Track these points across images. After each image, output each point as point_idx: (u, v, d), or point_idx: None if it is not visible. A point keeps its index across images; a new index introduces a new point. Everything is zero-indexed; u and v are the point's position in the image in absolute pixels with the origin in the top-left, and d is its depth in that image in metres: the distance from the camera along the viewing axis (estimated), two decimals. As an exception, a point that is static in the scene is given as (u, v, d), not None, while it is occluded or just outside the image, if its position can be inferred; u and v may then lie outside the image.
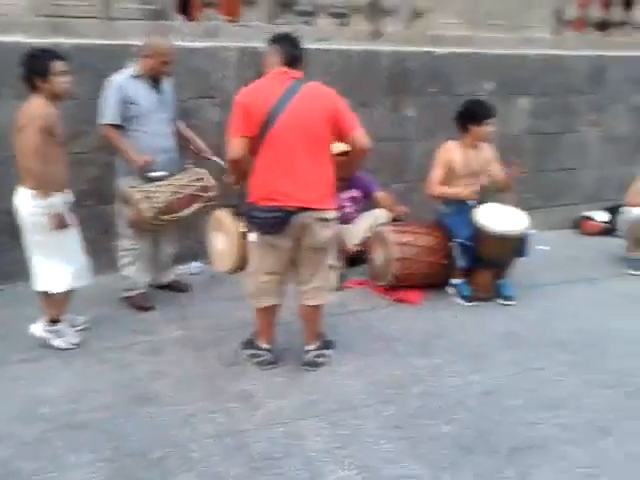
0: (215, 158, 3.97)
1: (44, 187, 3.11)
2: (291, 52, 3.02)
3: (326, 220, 2.99)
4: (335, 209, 3.08)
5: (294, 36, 3.12)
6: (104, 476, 2.39)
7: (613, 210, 5.63)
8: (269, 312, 3.21)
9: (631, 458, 2.56)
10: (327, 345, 3.34)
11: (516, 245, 4.02)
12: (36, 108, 3.07)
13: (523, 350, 3.47)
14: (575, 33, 6.07)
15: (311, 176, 2.93)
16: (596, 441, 2.66)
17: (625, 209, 4.94)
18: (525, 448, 2.59)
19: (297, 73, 2.99)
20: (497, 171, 4.29)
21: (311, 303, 3.17)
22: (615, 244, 5.23)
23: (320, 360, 3.25)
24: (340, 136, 3.00)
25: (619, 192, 5.76)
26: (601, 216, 5.83)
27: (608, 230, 5.69)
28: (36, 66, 3.09)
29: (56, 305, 3.38)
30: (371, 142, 3.03)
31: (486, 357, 3.38)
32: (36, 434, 2.64)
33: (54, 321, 3.38)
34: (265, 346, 3.24)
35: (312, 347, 3.25)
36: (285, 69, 2.97)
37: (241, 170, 3.03)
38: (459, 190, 4.14)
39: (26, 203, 3.16)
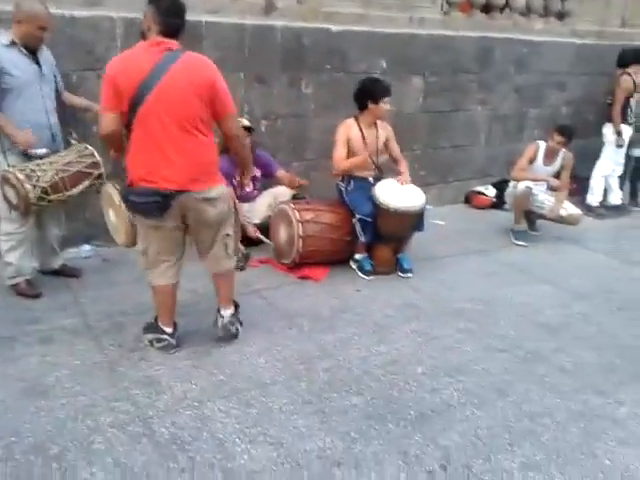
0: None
1: None
2: (174, 20, 2.72)
3: (210, 199, 2.86)
4: (219, 185, 2.93)
5: (179, 3, 2.77)
6: (-2, 477, 2.21)
7: (500, 185, 5.97)
8: (165, 292, 3.08)
9: (528, 417, 2.72)
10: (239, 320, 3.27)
11: (414, 220, 4.15)
12: None
13: (423, 320, 3.60)
14: (463, 14, 6.29)
15: (188, 156, 2.74)
16: (495, 403, 2.81)
17: (511, 184, 5.24)
18: (430, 413, 2.69)
19: (172, 43, 2.71)
20: (395, 149, 4.39)
21: (214, 270, 3.14)
22: (503, 217, 5.57)
23: (234, 329, 3.19)
24: (213, 116, 2.80)
25: (505, 168, 6.14)
26: (490, 190, 6.17)
27: (496, 204, 6.03)
28: None
29: None
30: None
31: (389, 329, 3.47)
32: None
33: None
34: (167, 329, 3.12)
35: (227, 312, 3.17)
36: (160, 38, 2.70)
37: (116, 145, 2.87)
38: (360, 157, 4.20)
39: None
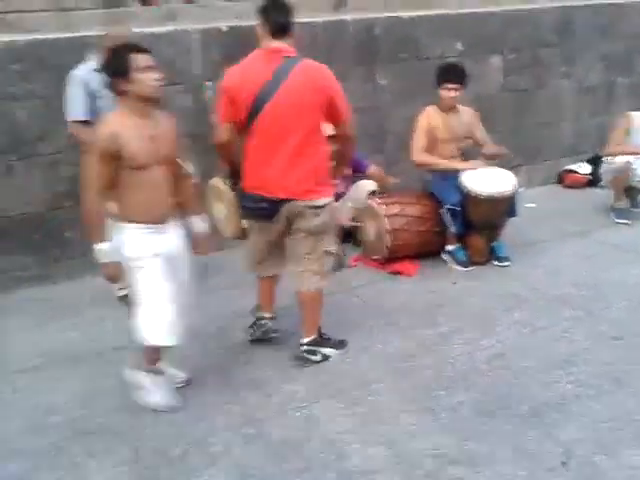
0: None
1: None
2: (277, 18, 2.73)
3: (316, 208, 2.83)
4: (328, 195, 2.90)
5: (281, 2, 2.80)
6: (128, 478, 2.34)
7: (594, 161, 5.67)
8: (265, 283, 3.20)
9: (650, 407, 2.59)
10: (327, 344, 3.15)
11: (506, 205, 4.02)
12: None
13: (526, 310, 3.49)
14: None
15: (300, 165, 2.76)
16: (614, 394, 2.69)
17: (607, 159, 4.97)
18: (544, 408, 2.61)
19: (289, 50, 2.75)
20: (481, 137, 4.26)
21: (304, 289, 3.00)
22: (599, 195, 5.29)
23: (311, 357, 3.07)
24: (331, 122, 2.87)
25: (597, 143, 5.83)
26: (583, 168, 5.88)
27: (591, 182, 5.74)
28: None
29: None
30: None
31: (491, 320, 3.39)
32: (51, 444, 2.57)
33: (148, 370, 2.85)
34: (266, 314, 3.23)
35: (304, 340, 3.09)
36: (275, 44, 2.73)
37: (227, 154, 2.96)
38: (445, 162, 4.11)
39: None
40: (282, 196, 2.79)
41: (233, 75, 2.77)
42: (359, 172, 4.64)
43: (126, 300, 3.74)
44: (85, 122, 3.50)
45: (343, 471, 2.32)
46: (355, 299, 3.78)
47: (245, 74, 2.74)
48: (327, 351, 3.12)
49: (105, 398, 2.88)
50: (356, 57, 4.94)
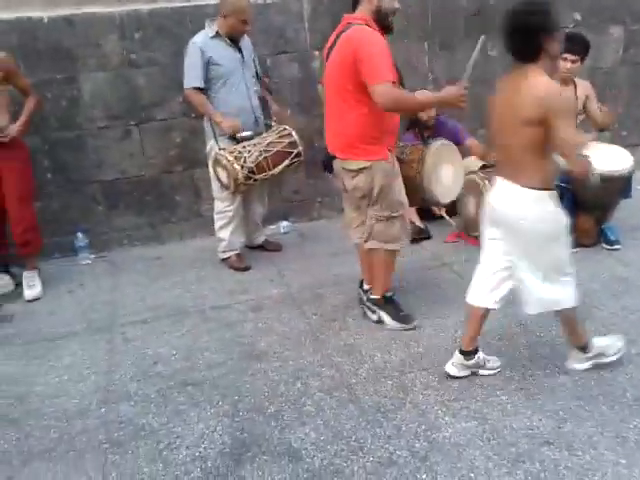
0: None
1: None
2: None
3: (350, 170, 2.92)
4: (365, 159, 2.86)
5: None
6: (226, 430, 2.48)
7: None
8: (358, 251, 3.30)
9: None
10: (388, 309, 3.17)
11: (620, 185, 3.79)
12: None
13: (635, 296, 3.30)
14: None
15: (337, 125, 2.91)
16: None
17: None
18: (651, 397, 2.49)
19: (353, 17, 2.80)
20: (594, 110, 4.02)
21: (358, 240, 3.16)
22: None
23: (369, 314, 3.22)
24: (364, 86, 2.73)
25: None
26: None
27: None
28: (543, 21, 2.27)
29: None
30: (391, 101, 2.67)
31: (595, 305, 3.24)
32: (157, 391, 2.77)
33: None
34: (365, 285, 3.33)
35: (370, 295, 3.23)
36: (348, 14, 2.85)
37: None
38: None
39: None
40: (331, 151, 3.00)
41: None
42: (456, 144, 4.52)
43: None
44: (201, 90, 3.64)
45: (433, 441, 2.33)
46: (452, 274, 3.74)
47: (329, 39, 2.94)
48: (385, 317, 3.17)
49: (207, 353, 3.05)
50: (467, 28, 4.80)
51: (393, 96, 2.67)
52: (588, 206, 3.87)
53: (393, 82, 2.69)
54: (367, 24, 2.76)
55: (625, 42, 5.29)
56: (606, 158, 3.74)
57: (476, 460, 2.21)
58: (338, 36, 2.81)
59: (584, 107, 4.02)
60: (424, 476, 2.16)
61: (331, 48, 2.86)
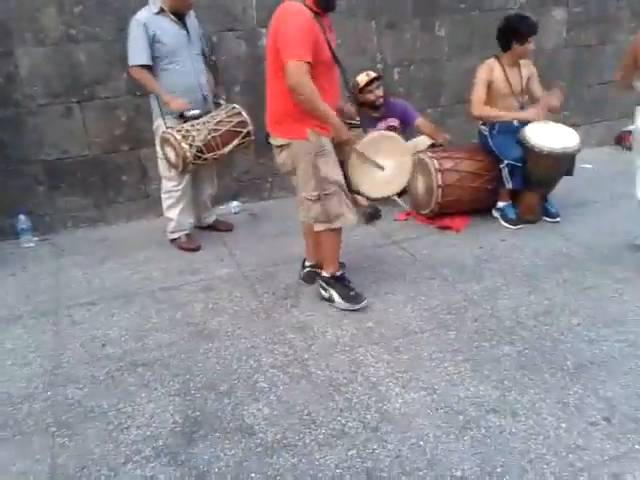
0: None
1: None
2: None
3: (276, 147, 2.99)
4: (288, 137, 2.88)
5: None
6: (177, 409, 2.46)
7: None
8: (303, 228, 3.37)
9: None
10: (338, 288, 3.17)
11: (567, 163, 3.93)
12: None
13: (576, 269, 3.44)
14: None
15: (269, 102, 2.94)
16: (663, 354, 2.65)
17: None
18: (590, 365, 2.59)
19: None
20: (538, 91, 4.13)
21: (302, 219, 3.17)
22: (660, 158, 5.07)
23: (321, 292, 3.24)
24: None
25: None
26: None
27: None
28: None
29: None
30: (295, 82, 2.64)
31: (539, 278, 3.36)
32: (106, 373, 2.72)
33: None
34: (307, 262, 3.43)
35: (322, 273, 3.26)
36: None
37: None
38: (508, 114, 4.01)
39: None
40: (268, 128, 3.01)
41: None
42: (406, 124, 4.58)
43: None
44: (147, 67, 3.54)
45: (384, 412, 2.37)
46: (402, 252, 3.79)
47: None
48: (335, 295, 3.17)
49: (157, 333, 3.01)
50: (415, 7, 4.83)
51: (298, 79, 2.63)
52: (536, 183, 3.99)
53: (309, 63, 2.64)
54: (304, 0, 2.72)
55: (568, 24, 5.44)
56: (554, 136, 3.86)
57: (425, 429, 2.27)
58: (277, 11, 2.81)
59: (527, 86, 4.13)
60: (375, 446, 2.20)
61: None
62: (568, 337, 2.80)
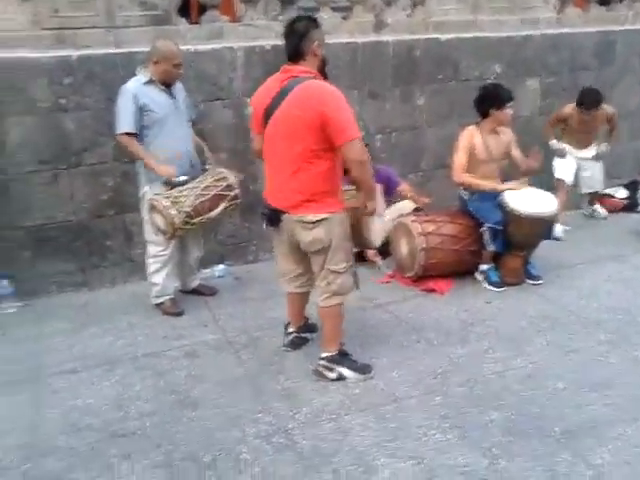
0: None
1: None
2: (287, 44, 2.81)
3: (307, 223, 2.84)
4: (324, 212, 2.83)
5: (291, 25, 2.81)
6: (159, 482, 2.39)
7: (632, 186, 5.61)
8: (290, 298, 3.31)
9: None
10: (346, 363, 3.10)
11: (547, 226, 4.03)
12: None
13: (560, 332, 3.46)
14: (578, 10, 6.02)
15: (291, 181, 2.81)
16: (649, 419, 2.65)
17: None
18: (577, 430, 2.58)
19: (298, 69, 2.76)
20: (518, 155, 4.27)
21: (296, 290, 3.22)
22: (636, 220, 5.25)
23: (327, 374, 3.07)
24: (331, 142, 2.70)
25: (635, 167, 5.76)
26: (620, 192, 5.80)
27: (629, 206, 5.67)
28: None
29: None
30: (362, 162, 2.75)
31: (524, 341, 3.37)
32: (86, 444, 2.64)
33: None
34: (290, 328, 3.37)
35: (322, 355, 3.11)
36: (289, 65, 2.81)
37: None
38: (488, 184, 4.11)
39: None
40: (278, 206, 2.90)
41: (257, 91, 2.99)
42: (390, 188, 4.67)
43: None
44: (133, 135, 3.61)
45: (372, 484, 2.33)
46: (387, 315, 3.80)
47: (262, 91, 2.93)
48: (345, 371, 3.07)
49: (138, 402, 2.95)
50: (395, 78, 5.02)
51: (365, 158, 2.77)
52: (517, 246, 4.07)
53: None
54: (315, 77, 2.79)
55: (541, 93, 5.68)
56: (533, 201, 3.97)
57: (414, 500, 2.23)
58: (284, 90, 2.74)
59: (507, 152, 4.26)
60: (363, 520, 2.14)
61: (276, 101, 2.77)
62: (555, 402, 2.79)
